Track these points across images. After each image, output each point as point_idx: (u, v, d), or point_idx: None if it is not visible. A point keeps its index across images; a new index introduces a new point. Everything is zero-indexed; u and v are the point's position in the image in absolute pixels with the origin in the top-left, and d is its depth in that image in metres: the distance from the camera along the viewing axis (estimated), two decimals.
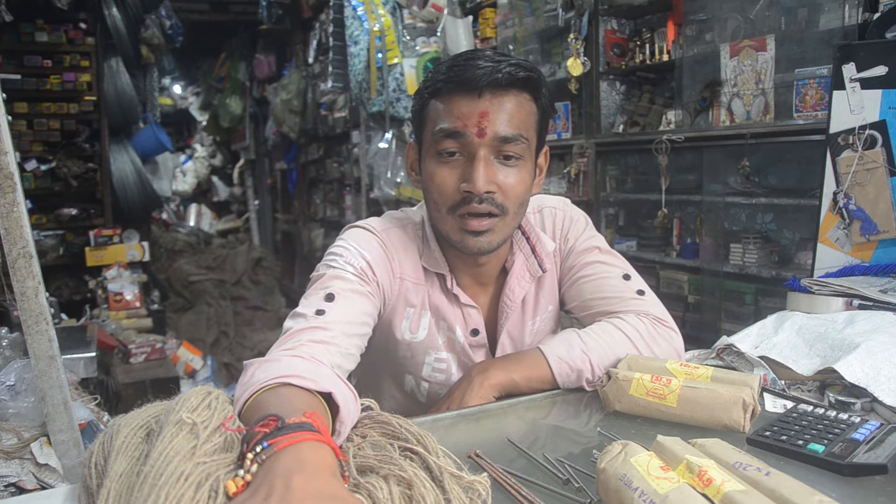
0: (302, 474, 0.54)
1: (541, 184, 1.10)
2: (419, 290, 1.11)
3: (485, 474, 0.64)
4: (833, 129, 1.46)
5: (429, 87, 1.01)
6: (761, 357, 1.06)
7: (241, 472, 0.57)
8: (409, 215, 1.16)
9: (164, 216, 7.81)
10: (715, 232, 2.58)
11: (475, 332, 1.14)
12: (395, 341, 1.13)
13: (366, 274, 1.03)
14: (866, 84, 1.42)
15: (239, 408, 0.74)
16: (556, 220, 1.18)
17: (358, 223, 1.12)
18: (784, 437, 0.79)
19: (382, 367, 1.20)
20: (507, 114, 0.97)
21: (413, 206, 1.20)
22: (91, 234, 4.28)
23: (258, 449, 0.58)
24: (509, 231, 1.05)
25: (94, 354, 2.35)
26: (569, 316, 1.22)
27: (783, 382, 1.02)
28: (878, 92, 1.40)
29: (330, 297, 0.96)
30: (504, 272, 1.15)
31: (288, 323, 0.94)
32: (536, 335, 1.18)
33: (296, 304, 1.00)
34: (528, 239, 1.14)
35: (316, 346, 0.89)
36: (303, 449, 0.58)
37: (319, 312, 0.94)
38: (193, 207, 9.11)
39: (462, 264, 1.11)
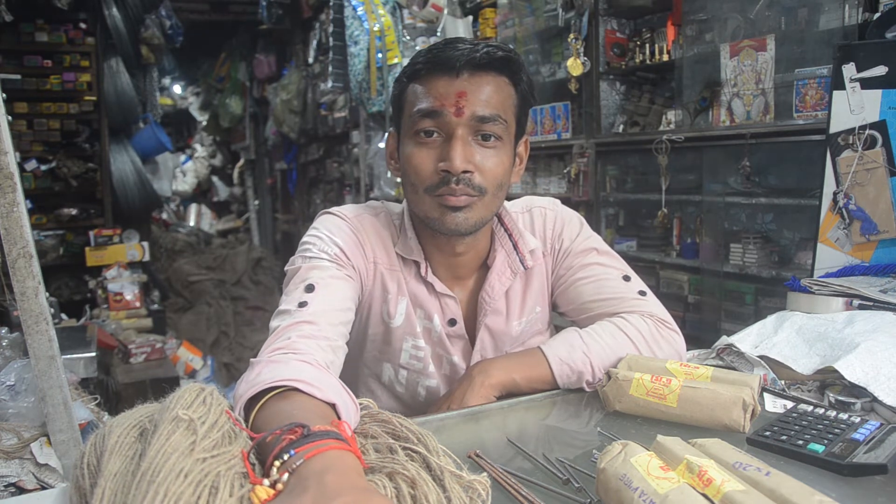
0: (333, 473, 0.56)
1: (520, 173, 1.10)
2: (394, 276, 1.10)
3: (485, 474, 0.64)
4: (833, 129, 1.46)
5: (407, 71, 1.02)
6: (761, 357, 1.06)
7: (267, 481, 0.58)
8: (386, 205, 1.16)
9: (164, 216, 7.81)
10: (715, 232, 2.58)
11: (453, 322, 1.13)
12: (373, 326, 1.13)
13: (340, 259, 1.03)
14: (866, 84, 1.42)
15: (243, 404, 0.74)
16: (547, 220, 1.17)
17: (330, 210, 1.13)
18: (784, 437, 0.79)
19: (360, 360, 1.19)
20: (484, 94, 0.97)
21: None
22: (91, 234, 4.28)
23: (285, 457, 0.59)
24: (487, 213, 1.03)
25: (94, 354, 2.35)
26: (564, 319, 1.21)
27: (783, 382, 1.02)
28: (878, 92, 1.40)
29: (310, 288, 0.96)
30: (486, 268, 1.14)
31: (274, 322, 0.94)
32: (521, 335, 1.17)
33: None
34: (510, 235, 1.14)
35: (308, 342, 0.88)
36: (331, 455, 0.59)
37: (302, 304, 0.94)
38: (193, 207, 9.11)
39: (439, 254, 1.11)
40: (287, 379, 0.75)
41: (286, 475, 0.57)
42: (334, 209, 1.12)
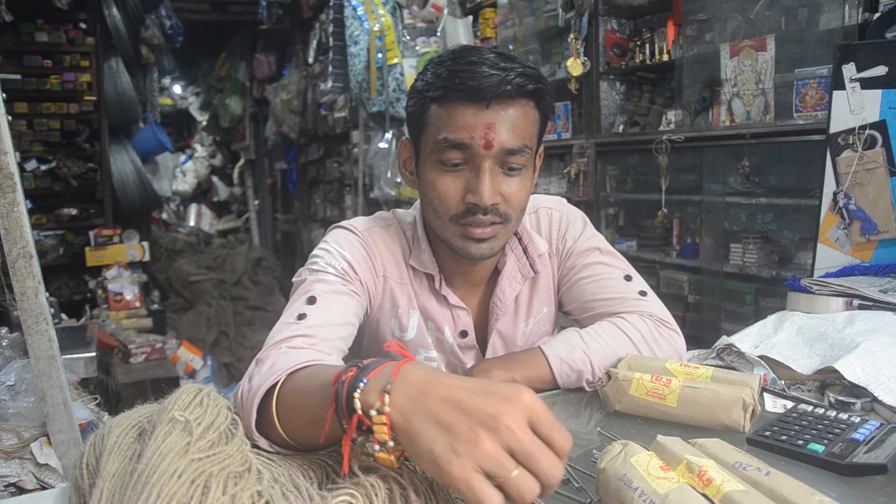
0: (438, 374, 0.57)
1: (534, 181, 1.10)
2: (405, 290, 1.10)
3: None
4: (833, 129, 1.46)
5: (429, 89, 0.97)
6: (761, 357, 1.06)
7: (373, 410, 0.56)
8: (397, 216, 1.15)
9: (164, 216, 7.81)
10: (715, 232, 2.58)
11: (464, 334, 1.13)
12: (385, 341, 1.13)
13: (348, 274, 1.02)
14: (866, 84, 1.42)
15: (263, 392, 0.74)
16: (553, 220, 1.17)
17: (341, 223, 1.12)
18: (784, 437, 0.79)
19: None
20: (512, 124, 0.94)
21: (409, 207, 1.20)
22: (91, 234, 4.28)
23: (361, 385, 0.58)
24: (509, 236, 1.05)
25: (94, 354, 2.35)
26: (568, 318, 1.21)
27: (783, 382, 1.02)
28: (878, 92, 1.41)
29: (311, 300, 0.95)
30: (496, 273, 1.14)
31: (272, 332, 0.93)
32: (529, 337, 1.18)
33: None
34: (520, 240, 1.14)
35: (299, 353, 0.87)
36: (412, 365, 0.59)
37: (301, 317, 0.92)
38: (193, 207, 9.11)
39: (455, 266, 1.11)
40: (307, 361, 0.76)
41: (386, 397, 0.56)
42: (345, 223, 1.11)
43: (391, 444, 0.57)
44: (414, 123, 1.03)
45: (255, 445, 0.73)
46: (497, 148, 0.94)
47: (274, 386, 0.74)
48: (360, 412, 0.57)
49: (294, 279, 1.04)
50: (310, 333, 0.90)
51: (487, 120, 0.93)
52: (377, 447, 0.57)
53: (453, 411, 0.54)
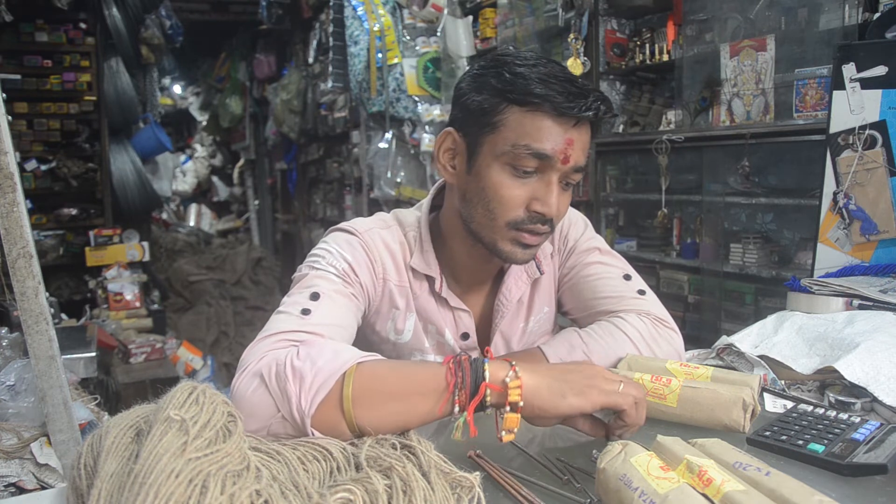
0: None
1: None
2: (403, 292, 1.10)
3: (477, 473, 0.65)
4: (833, 129, 1.46)
5: (512, 91, 0.95)
6: (761, 357, 1.06)
7: (508, 377, 0.75)
8: (398, 217, 1.14)
9: (164, 216, 7.81)
10: (715, 232, 2.58)
11: (465, 336, 1.13)
12: (380, 343, 1.12)
13: (348, 275, 1.02)
14: (866, 84, 1.42)
15: (345, 370, 0.77)
16: None
17: (341, 225, 1.11)
18: (784, 437, 0.79)
19: None
20: (584, 143, 0.98)
21: (410, 207, 1.19)
22: (91, 234, 4.28)
23: (486, 364, 0.76)
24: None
25: (94, 354, 2.35)
26: (567, 318, 1.21)
27: (783, 382, 1.02)
28: (878, 92, 1.41)
29: (315, 296, 0.95)
30: (500, 272, 1.14)
31: (272, 321, 0.92)
32: (529, 336, 1.18)
33: None
34: None
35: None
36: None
37: (305, 312, 0.92)
38: (193, 207, 9.11)
39: (467, 262, 1.10)
40: (369, 355, 0.82)
41: (513, 372, 0.75)
42: (344, 224, 1.10)
43: (521, 403, 0.74)
44: (478, 120, 0.99)
45: (252, 436, 0.73)
46: (571, 164, 0.96)
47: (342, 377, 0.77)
48: (491, 382, 0.75)
49: (294, 276, 1.03)
50: (317, 332, 0.89)
51: (569, 136, 0.95)
52: (507, 409, 0.74)
53: (563, 374, 0.79)
